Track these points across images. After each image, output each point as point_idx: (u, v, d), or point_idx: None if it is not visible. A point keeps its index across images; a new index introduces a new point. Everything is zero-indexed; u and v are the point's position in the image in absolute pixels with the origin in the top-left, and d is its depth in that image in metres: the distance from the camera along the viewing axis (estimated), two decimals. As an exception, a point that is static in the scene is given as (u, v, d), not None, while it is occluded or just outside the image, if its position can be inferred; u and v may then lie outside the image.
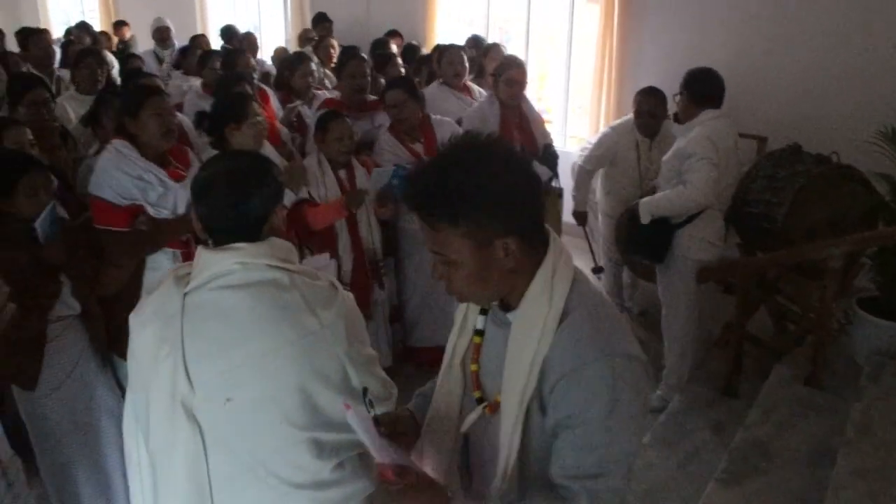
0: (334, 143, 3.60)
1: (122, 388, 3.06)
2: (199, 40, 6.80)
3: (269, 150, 3.67)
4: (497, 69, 4.54)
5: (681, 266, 3.85)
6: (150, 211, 2.95)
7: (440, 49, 5.46)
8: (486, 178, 1.28)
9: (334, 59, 6.20)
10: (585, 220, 4.95)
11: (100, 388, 2.94)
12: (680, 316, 3.96)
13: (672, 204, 3.71)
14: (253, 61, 5.91)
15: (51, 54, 5.66)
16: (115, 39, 8.70)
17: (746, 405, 3.62)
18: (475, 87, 5.17)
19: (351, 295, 1.83)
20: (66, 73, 5.52)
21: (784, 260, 3.77)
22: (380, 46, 6.15)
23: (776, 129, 4.96)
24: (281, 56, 7.26)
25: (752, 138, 5.08)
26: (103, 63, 5.06)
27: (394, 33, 6.97)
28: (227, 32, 7.47)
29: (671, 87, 4.04)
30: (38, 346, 2.67)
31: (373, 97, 4.61)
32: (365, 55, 4.84)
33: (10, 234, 2.65)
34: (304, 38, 7.49)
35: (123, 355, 2.97)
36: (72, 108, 4.58)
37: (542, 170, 4.30)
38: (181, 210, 2.98)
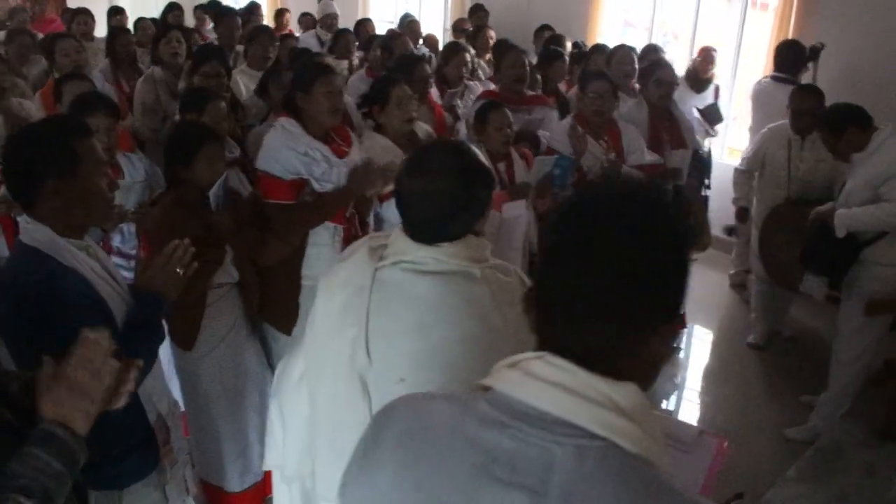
0: (494, 133, 3.56)
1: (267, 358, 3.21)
2: (364, 25, 6.95)
3: (422, 129, 3.70)
4: (646, 70, 4.44)
5: (867, 292, 3.65)
6: (315, 185, 3.03)
7: (597, 48, 5.37)
8: None
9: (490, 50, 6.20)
10: (746, 218, 4.80)
11: (248, 355, 3.05)
12: (855, 345, 3.75)
13: (875, 219, 3.53)
14: (411, 46, 5.99)
15: (235, 35, 5.92)
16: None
17: (904, 451, 3.38)
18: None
19: None
20: (240, 48, 5.77)
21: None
22: (553, 42, 6.05)
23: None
24: (433, 44, 7.35)
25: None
26: (274, 41, 5.26)
27: (546, 28, 6.88)
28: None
29: (849, 96, 3.86)
30: (198, 309, 2.80)
31: (531, 92, 4.55)
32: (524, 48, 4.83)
33: (186, 201, 2.80)
34: (458, 28, 7.51)
35: (276, 324, 3.14)
36: (243, 81, 4.77)
37: (679, 153, 4.19)
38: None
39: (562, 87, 5.25)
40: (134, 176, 3.34)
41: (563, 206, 1.03)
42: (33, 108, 4.31)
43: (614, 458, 0.90)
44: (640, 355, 0.96)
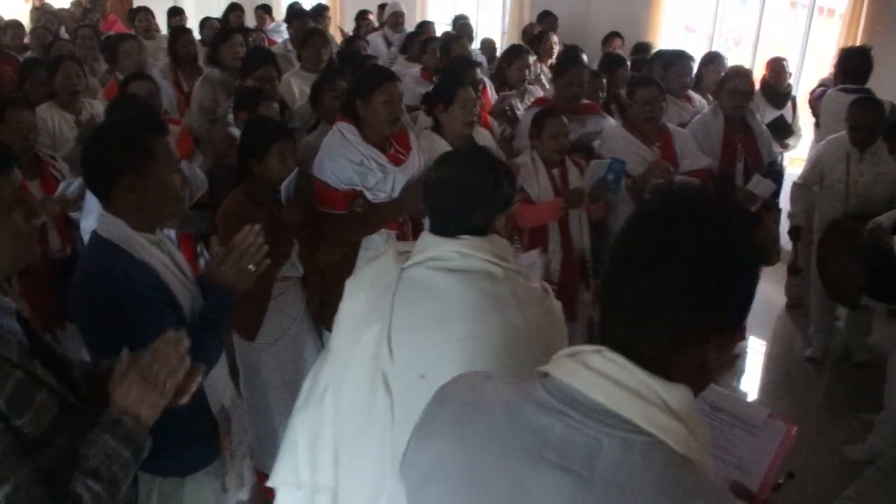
0: (550, 141, 3.56)
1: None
2: (425, 27, 6.96)
3: (483, 135, 3.69)
4: (722, 79, 4.33)
5: None
6: (368, 195, 3.04)
7: (665, 56, 5.29)
8: None
9: (554, 56, 6.17)
10: (799, 237, 4.64)
11: (308, 349, 3.09)
12: None
13: None
14: (469, 49, 5.99)
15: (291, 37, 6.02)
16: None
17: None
18: (695, 97, 4.97)
19: (560, 304, 1.80)
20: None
21: None
22: (640, 50, 6.00)
23: None
24: (490, 48, 7.31)
25: None
26: (327, 43, 5.26)
27: (615, 35, 6.80)
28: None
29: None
30: (262, 301, 2.84)
31: (587, 101, 4.52)
32: (585, 56, 4.80)
33: (257, 193, 2.87)
34: (528, 32, 7.42)
35: (325, 323, 3.16)
36: (296, 84, 4.78)
37: (765, 183, 4.06)
38: (398, 193, 3.06)
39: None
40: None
41: (639, 211, 1.07)
42: (101, 108, 4.44)
43: (659, 453, 0.93)
44: (695, 362, 0.98)
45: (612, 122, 4.46)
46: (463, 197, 1.70)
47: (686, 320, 0.96)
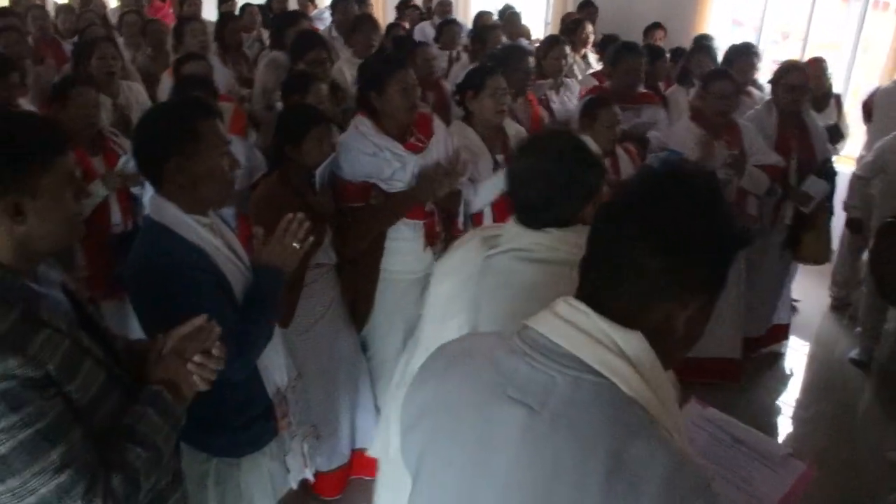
0: (603, 131, 3.51)
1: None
2: (482, 17, 6.83)
3: (514, 126, 3.65)
4: (776, 73, 4.23)
5: None
6: (383, 186, 3.00)
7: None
8: None
9: (589, 46, 6.12)
10: (860, 229, 4.58)
11: (343, 337, 3.10)
12: None
13: None
14: (504, 39, 5.94)
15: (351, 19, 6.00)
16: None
17: None
18: (756, 92, 4.88)
19: None
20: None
21: None
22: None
23: None
24: (528, 35, 7.25)
25: None
26: (377, 29, 5.28)
27: (657, 26, 6.71)
28: None
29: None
30: (296, 288, 2.82)
31: (643, 90, 4.47)
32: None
33: (292, 179, 2.86)
34: (566, 22, 7.36)
35: (360, 319, 3.15)
36: (347, 69, 4.79)
37: (820, 183, 3.98)
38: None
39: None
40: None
41: (627, 180, 1.13)
42: (142, 90, 4.48)
43: (606, 392, 1.01)
44: (657, 318, 1.04)
45: (664, 113, 4.40)
46: (546, 190, 1.68)
47: (647, 270, 1.02)
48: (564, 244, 1.65)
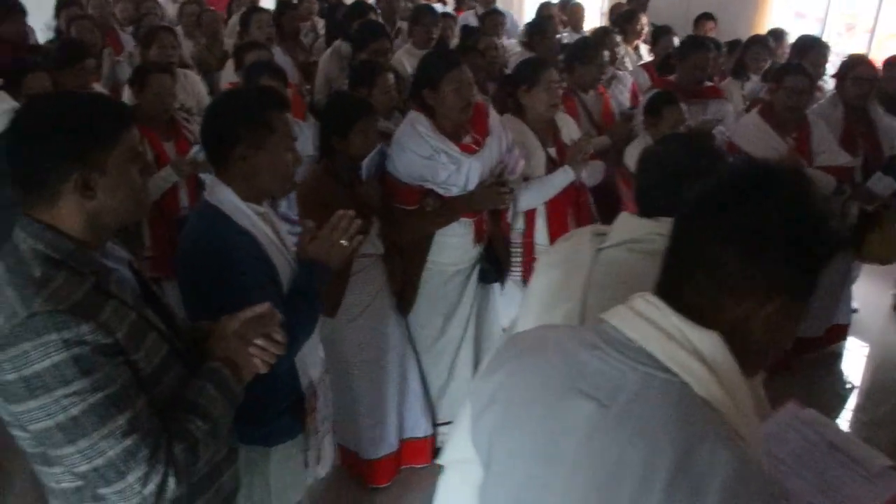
0: (668, 129, 3.45)
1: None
2: (546, 8, 6.85)
3: (566, 121, 3.61)
4: (843, 67, 4.10)
5: None
6: (439, 190, 2.98)
7: (799, 43, 5.08)
8: None
9: (643, 37, 6.04)
10: None
11: (390, 326, 3.10)
12: None
13: None
14: (560, 29, 5.88)
15: (396, 9, 6.05)
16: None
17: None
18: (827, 87, 4.77)
19: None
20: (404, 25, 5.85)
21: None
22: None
23: None
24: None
25: None
26: (438, 21, 5.28)
27: (707, 17, 6.57)
28: None
29: None
30: (343, 278, 2.83)
31: (709, 84, 4.40)
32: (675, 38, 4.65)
33: (338, 170, 2.87)
34: (615, 13, 7.27)
35: (405, 310, 3.16)
36: (407, 60, 4.79)
37: (886, 181, 3.87)
38: (472, 185, 2.98)
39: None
40: (304, 148, 3.46)
41: (714, 175, 1.12)
42: (198, 79, 4.56)
43: (677, 392, 1.00)
44: (736, 317, 1.01)
45: (731, 107, 4.33)
46: (673, 169, 1.67)
47: (724, 263, 1.00)
48: None
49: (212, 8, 6.27)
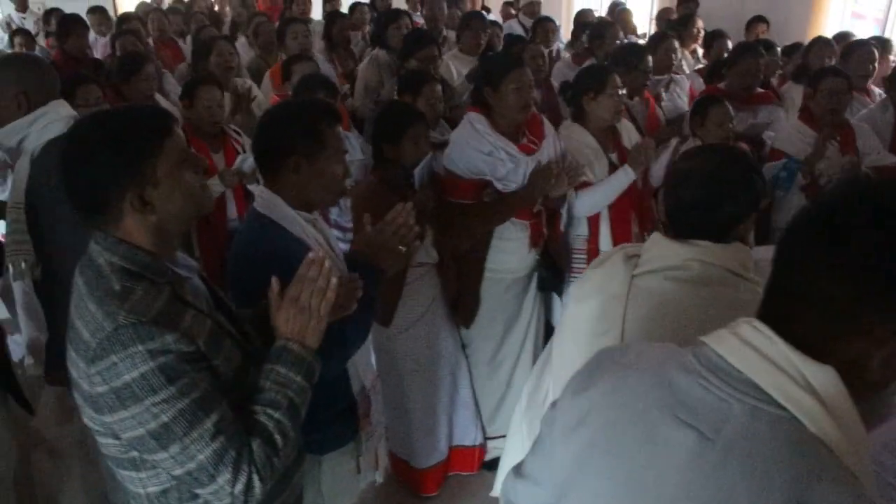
0: (714, 129, 3.41)
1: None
2: (584, 15, 6.79)
3: (627, 128, 3.56)
4: (895, 70, 4.01)
5: None
6: (497, 185, 2.99)
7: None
8: None
9: (699, 42, 5.93)
10: None
11: (443, 336, 3.09)
12: None
13: None
14: (622, 35, 5.82)
15: (440, 17, 6.03)
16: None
17: None
18: (876, 90, 4.61)
19: None
20: (451, 34, 5.86)
21: None
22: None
23: None
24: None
25: None
26: (486, 27, 5.26)
27: (760, 20, 6.38)
28: None
29: None
30: (397, 287, 2.85)
31: (761, 90, 4.30)
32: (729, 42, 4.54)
33: (390, 178, 2.88)
34: (663, 18, 7.11)
35: (455, 312, 3.15)
36: (454, 66, 4.79)
37: None
38: None
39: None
40: (352, 154, 3.48)
41: (820, 198, 1.03)
42: (255, 87, 4.63)
43: (788, 427, 0.93)
44: (852, 352, 0.93)
45: (783, 113, 4.23)
46: (710, 188, 1.61)
47: (836, 298, 0.92)
48: (719, 259, 1.58)
49: (266, 17, 6.35)
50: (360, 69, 4.92)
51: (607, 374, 1.14)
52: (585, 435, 1.12)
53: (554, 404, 1.22)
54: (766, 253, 2.03)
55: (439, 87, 3.58)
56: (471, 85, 4.20)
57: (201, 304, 1.48)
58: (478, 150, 2.95)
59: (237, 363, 1.48)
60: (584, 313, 1.69)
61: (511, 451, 1.96)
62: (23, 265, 2.60)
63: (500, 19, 7.79)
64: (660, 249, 1.63)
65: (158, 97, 4.29)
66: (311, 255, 1.56)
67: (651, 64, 4.07)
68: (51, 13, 5.81)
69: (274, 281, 1.56)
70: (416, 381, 3.04)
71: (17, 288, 2.77)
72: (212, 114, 3.48)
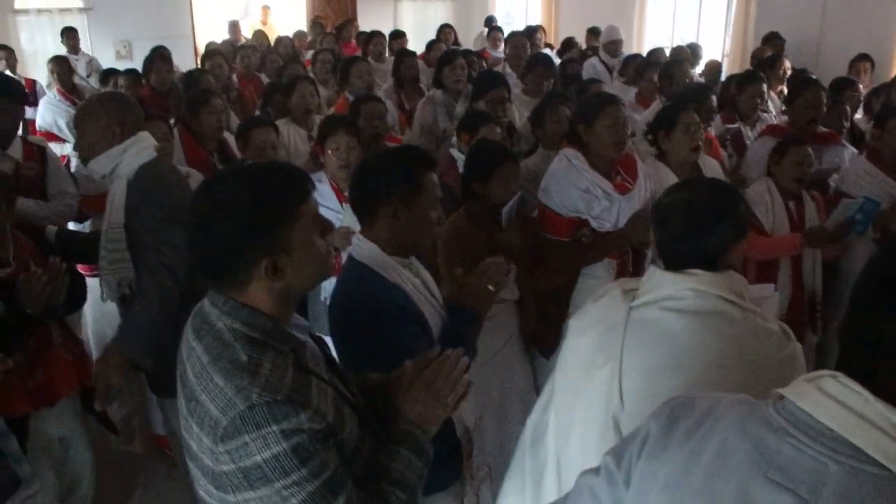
0: (792, 168, 3.35)
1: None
2: (655, 54, 6.75)
3: (710, 164, 3.54)
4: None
5: None
6: (593, 224, 3.00)
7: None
8: None
9: (784, 84, 5.77)
10: None
11: (518, 371, 3.10)
12: None
13: None
14: (693, 73, 5.75)
15: (523, 56, 6.01)
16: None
17: None
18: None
19: (801, 346, 1.68)
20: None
21: None
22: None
23: None
24: (714, 70, 6.92)
25: None
26: (551, 70, 5.27)
27: (863, 57, 6.14)
28: None
29: None
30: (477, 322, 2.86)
31: (823, 129, 4.19)
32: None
33: (478, 215, 2.92)
34: (757, 57, 6.85)
35: (538, 345, 3.14)
36: (517, 108, 4.81)
37: None
38: (623, 223, 3.00)
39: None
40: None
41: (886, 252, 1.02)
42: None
43: (892, 488, 0.89)
44: None
45: (851, 152, 4.10)
46: (695, 218, 1.65)
47: None
48: (714, 288, 1.60)
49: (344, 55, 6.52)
50: (417, 108, 4.99)
51: (685, 432, 1.10)
52: (669, 498, 1.07)
53: (611, 466, 1.17)
54: (759, 291, 2.00)
55: (498, 130, 3.59)
56: (529, 130, 4.18)
57: (320, 369, 1.43)
58: (575, 185, 2.98)
59: (358, 433, 1.44)
60: (583, 345, 1.72)
61: (511, 487, 1.94)
62: (117, 285, 2.70)
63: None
64: (655, 281, 1.66)
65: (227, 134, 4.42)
66: (449, 351, 1.57)
67: (714, 103, 4.00)
68: (109, 74, 6.16)
69: (408, 363, 1.58)
70: (488, 416, 3.01)
71: (89, 314, 2.87)
72: (264, 154, 3.55)
